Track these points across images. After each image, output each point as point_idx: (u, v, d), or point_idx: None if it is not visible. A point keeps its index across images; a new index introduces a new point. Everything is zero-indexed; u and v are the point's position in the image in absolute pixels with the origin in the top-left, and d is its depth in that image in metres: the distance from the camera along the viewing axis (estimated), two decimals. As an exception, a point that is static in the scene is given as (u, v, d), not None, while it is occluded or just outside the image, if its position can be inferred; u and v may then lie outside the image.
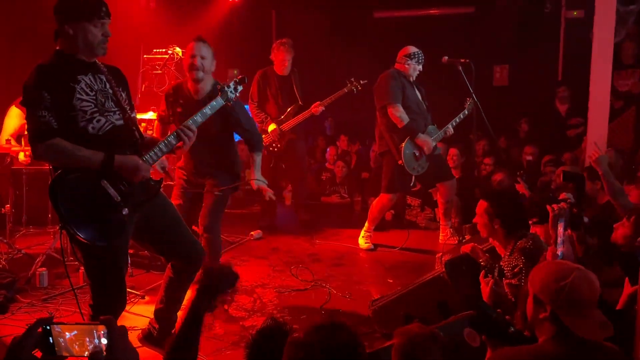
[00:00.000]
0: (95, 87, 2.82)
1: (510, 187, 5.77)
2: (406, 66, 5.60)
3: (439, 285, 3.54)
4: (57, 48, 2.83)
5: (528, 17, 8.63)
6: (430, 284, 3.61)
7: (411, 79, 5.65)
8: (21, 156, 5.33)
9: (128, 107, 2.96)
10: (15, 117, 5.51)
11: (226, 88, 3.35)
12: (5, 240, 5.15)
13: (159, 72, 5.87)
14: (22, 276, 4.73)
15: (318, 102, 6.21)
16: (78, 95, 2.74)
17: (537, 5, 8.58)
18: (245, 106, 6.35)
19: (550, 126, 7.78)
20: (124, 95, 2.97)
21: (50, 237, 5.23)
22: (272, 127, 6.14)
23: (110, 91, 2.89)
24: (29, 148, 5.21)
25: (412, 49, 5.63)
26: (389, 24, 9.14)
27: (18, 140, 5.47)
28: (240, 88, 3.42)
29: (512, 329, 2.27)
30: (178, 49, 5.83)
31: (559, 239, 2.62)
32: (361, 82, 6.23)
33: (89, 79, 2.81)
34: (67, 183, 2.71)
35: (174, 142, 3.02)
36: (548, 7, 8.53)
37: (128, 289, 3.76)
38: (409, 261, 5.49)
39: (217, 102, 3.30)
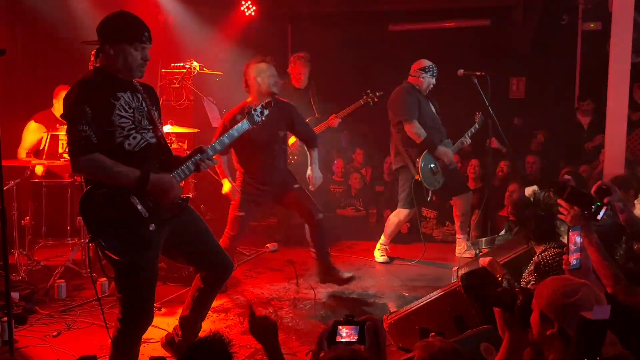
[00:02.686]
0: (133, 104, 2.91)
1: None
2: (421, 79, 5.61)
3: (455, 299, 3.51)
4: (98, 65, 2.92)
5: (544, 29, 8.59)
6: (447, 298, 3.58)
7: (425, 93, 5.65)
8: (38, 170, 5.40)
9: (160, 125, 3.05)
10: (33, 131, 5.61)
11: (253, 112, 3.45)
12: (24, 252, 5.21)
13: (177, 86, 5.95)
14: (41, 288, 4.77)
15: (334, 115, 6.23)
16: (117, 112, 2.82)
17: (553, 17, 8.54)
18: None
19: (569, 138, 7.69)
20: (156, 113, 3.05)
21: (69, 249, 5.28)
22: (292, 140, 6.16)
23: (146, 109, 2.98)
24: (45, 162, 5.32)
25: (426, 63, 5.63)
26: (404, 37, 9.16)
27: (35, 154, 5.55)
28: (266, 112, 3.51)
29: (500, 289, 2.26)
30: (196, 63, 5.90)
31: (572, 247, 2.55)
32: (377, 94, 6.24)
33: (128, 96, 2.90)
34: (97, 198, 2.79)
35: (192, 168, 3.06)
36: (565, 19, 8.49)
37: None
38: (425, 274, 5.46)
39: (244, 125, 3.42)
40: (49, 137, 5.42)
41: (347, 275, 4.90)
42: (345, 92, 6.22)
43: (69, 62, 6.18)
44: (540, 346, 2.10)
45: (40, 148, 5.57)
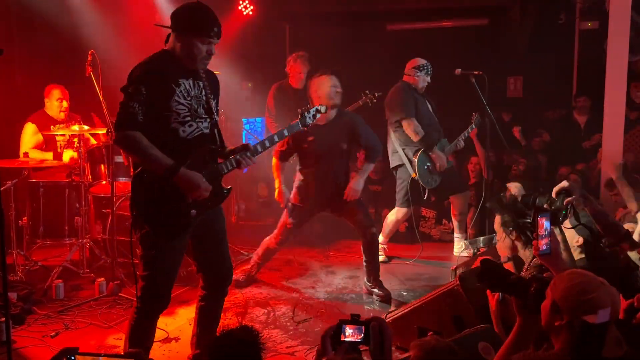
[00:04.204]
0: (192, 92, 2.96)
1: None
2: (415, 78, 5.61)
3: (453, 298, 3.52)
4: (166, 48, 2.99)
5: (542, 28, 8.59)
6: (445, 297, 3.58)
7: (421, 92, 5.66)
8: (66, 158, 5.38)
9: (216, 115, 3.10)
10: (30, 133, 5.59)
11: (305, 114, 3.50)
12: (22, 253, 5.20)
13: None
14: (39, 288, 4.77)
15: None
16: (176, 98, 2.88)
17: (550, 16, 8.55)
18: (262, 119, 6.43)
19: (567, 137, 7.69)
20: (214, 103, 3.09)
21: (67, 249, 5.28)
22: None
23: (204, 98, 3.03)
24: (46, 158, 5.32)
25: (421, 61, 5.64)
26: (402, 37, 9.15)
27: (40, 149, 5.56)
28: (318, 116, 3.58)
29: (513, 277, 2.26)
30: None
31: (542, 232, 2.57)
32: (376, 94, 6.23)
33: (189, 83, 2.96)
34: (146, 178, 2.88)
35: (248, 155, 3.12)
36: (562, 19, 8.49)
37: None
38: (423, 273, 5.47)
39: (295, 126, 3.48)
40: (41, 137, 5.43)
41: (384, 295, 4.77)
42: (343, 91, 6.18)
43: (65, 62, 6.19)
44: (547, 334, 2.11)
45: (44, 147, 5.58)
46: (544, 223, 2.57)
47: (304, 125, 3.51)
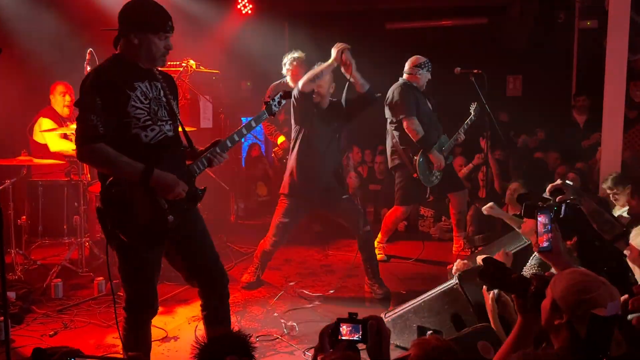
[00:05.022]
0: (150, 95, 2.86)
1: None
2: (417, 76, 5.61)
3: (452, 297, 3.52)
4: (117, 52, 2.87)
5: (541, 27, 8.60)
6: (444, 296, 3.58)
7: (422, 89, 5.65)
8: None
9: (178, 117, 3.00)
10: (48, 126, 5.52)
11: (271, 102, 3.40)
12: (21, 252, 5.20)
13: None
14: (38, 287, 4.77)
15: None
16: (132, 103, 2.77)
17: (550, 15, 8.55)
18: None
19: (567, 136, 7.69)
20: (175, 104, 2.99)
21: (66, 248, 5.27)
22: (281, 139, 6.14)
23: (164, 100, 2.93)
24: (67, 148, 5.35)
25: (421, 59, 5.63)
26: (401, 36, 9.16)
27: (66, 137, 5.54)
28: (283, 102, 3.47)
29: (514, 275, 2.25)
30: (192, 62, 5.88)
31: (541, 229, 2.56)
32: (376, 95, 6.13)
33: (145, 86, 2.85)
34: (117, 188, 2.75)
35: (206, 163, 3.05)
36: (561, 17, 8.50)
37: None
38: (423, 272, 5.47)
39: (262, 114, 3.37)
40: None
41: (383, 293, 4.76)
42: (340, 91, 6.17)
43: (65, 60, 6.17)
44: (547, 332, 2.10)
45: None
46: (544, 219, 2.57)
47: (271, 114, 3.39)
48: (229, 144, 3.11)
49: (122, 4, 2.85)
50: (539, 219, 2.57)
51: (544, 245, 2.55)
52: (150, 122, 2.82)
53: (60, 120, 5.55)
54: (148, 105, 2.82)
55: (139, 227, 2.78)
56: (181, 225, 2.92)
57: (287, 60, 6.05)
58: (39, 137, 5.60)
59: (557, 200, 2.86)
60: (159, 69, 2.98)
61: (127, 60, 2.84)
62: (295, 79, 6.15)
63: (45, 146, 5.57)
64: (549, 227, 2.57)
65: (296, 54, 6.11)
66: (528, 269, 3.34)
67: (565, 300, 2.01)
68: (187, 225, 2.99)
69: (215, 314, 3.17)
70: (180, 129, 3.03)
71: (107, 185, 2.76)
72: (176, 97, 3.06)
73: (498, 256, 3.62)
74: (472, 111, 5.88)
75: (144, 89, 2.83)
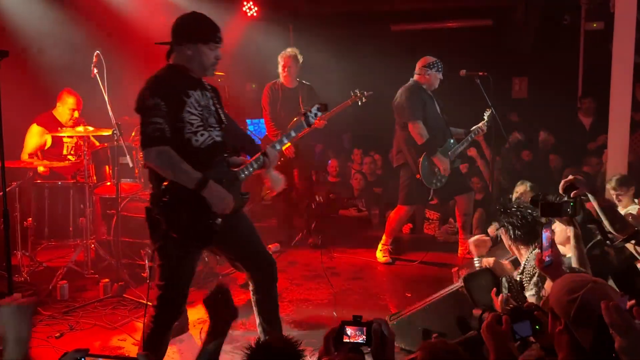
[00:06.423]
0: (202, 102, 3.05)
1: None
2: (427, 76, 5.60)
3: (457, 300, 3.51)
4: (170, 63, 3.07)
5: (547, 29, 8.58)
6: (449, 299, 3.58)
7: (432, 89, 5.64)
8: (41, 169, 5.40)
9: (225, 124, 3.18)
10: (36, 135, 5.61)
11: (308, 113, 3.51)
12: (27, 254, 5.22)
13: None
14: (43, 289, 4.78)
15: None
16: (188, 109, 2.96)
17: (555, 17, 8.53)
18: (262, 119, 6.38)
19: (573, 139, 7.67)
20: (221, 111, 3.19)
21: (71, 250, 5.28)
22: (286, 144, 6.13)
23: (213, 108, 3.13)
24: (47, 162, 5.34)
25: (430, 59, 5.63)
26: (406, 38, 9.16)
27: (35, 157, 5.56)
28: (320, 114, 3.59)
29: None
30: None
31: (545, 243, 2.56)
32: (366, 93, 6.02)
33: (198, 94, 3.04)
34: (174, 190, 2.90)
35: (255, 166, 3.24)
36: (567, 19, 8.48)
37: (147, 302, 3.79)
38: (428, 275, 5.45)
39: (301, 125, 3.51)
40: (49, 138, 5.44)
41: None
42: (345, 92, 6.18)
43: (71, 64, 6.20)
44: (552, 343, 2.10)
45: (46, 148, 5.59)
46: (548, 234, 2.57)
47: (309, 125, 3.55)
48: (274, 151, 3.30)
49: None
50: (544, 233, 2.57)
51: (547, 260, 2.55)
52: (201, 128, 3.01)
53: (54, 127, 5.49)
54: (201, 112, 3.02)
55: (190, 228, 2.95)
56: (227, 225, 3.07)
57: (280, 58, 6.06)
58: (25, 156, 5.59)
59: (571, 195, 2.85)
60: (205, 79, 3.17)
61: (181, 69, 3.04)
62: (292, 79, 6.11)
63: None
64: (550, 241, 2.57)
65: (287, 52, 6.09)
66: (529, 269, 3.33)
67: (557, 305, 2.02)
68: (233, 224, 3.15)
69: (265, 299, 3.39)
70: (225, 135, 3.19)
71: (164, 188, 2.91)
72: (222, 106, 3.23)
73: (488, 262, 3.61)
74: (485, 117, 5.72)
75: (196, 97, 3.02)
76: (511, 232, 3.37)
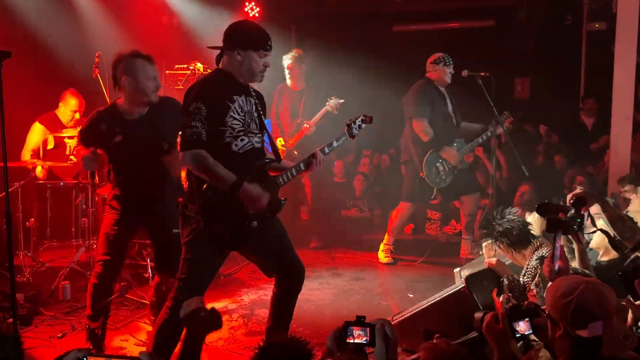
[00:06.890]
0: (245, 108, 3.13)
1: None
2: (435, 72, 5.63)
3: (460, 300, 3.50)
4: (219, 68, 3.15)
5: (549, 29, 8.57)
6: (451, 299, 3.57)
7: (444, 85, 5.64)
8: (38, 170, 5.41)
9: (265, 131, 3.26)
10: (38, 133, 5.61)
11: (352, 125, 3.50)
12: (29, 254, 5.23)
13: (181, 87, 5.95)
14: (46, 289, 4.79)
15: (306, 122, 6.02)
16: (231, 113, 3.05)
17: (558, 17, 8.52)
18: (268, 120, 6.40)
19: (575, 139, 7.66)
20: (264, 118, 3.25)
21: (74, 250, 5.29)
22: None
23: (256, 114, 3.19)
24: (44, 163, 5.35)
25: (438, 54, 5.67)
26: (408, 38, 9.15)
27: (37, 155, 5.55)
28: (363, 126, 3.56)
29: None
30: (200, 65, 5.90)
31: (557, 252, 2.56)
32: (340, 101, 5.92)
33: (242, 100, 3.12)
34: (214, 192, 2.99)
35: (303, 167, 3.28)
36: (569, 20, 8.47)
37: (145, 300, 3.80)
38: (430, 275, 5.45)
39: (343, 136, 3.49)
40: (52, 139, 5.44)
41: None
42: (348, 93, 6.18)
43: (73, 64, 6.21)
44: (553, 348, 2.09)
45: (48, 148, 5.58)
46: (560, 244, 2.57)
47: (351, 136, 3.52)
48: (321, 156, 3.33)
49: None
50: (557, 244, 2.56)
51: (557, 269, 2.55)
52: (242, 133, 3.09)
53: (56, 127, 5.51)
54: (243, 118, 3.10)
55: (226, 229, 3.04)
56: (262, 229, 3.14)
57: (284, 61, 6.06)
58: (27, 156, 5.59)
59: (581, 211, 2.81)
60: (251, 86, 3.23)
61: (229, 75, 3.11)
62: (299, 80, 6.13)
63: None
64: (559, 250, 2.57)
65: (290, 54, 6.08)
66: (531, 270, 3.32)
67: (554, 309, 2.02)
68: (268, 228, 3.21)
69: (285, 305, 3.41)
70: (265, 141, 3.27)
71: (204, 189, 2.99)
72: (265, 113, 3.30)
73: (490, 263, 3.60)
74: (502, 118, 5.56)
75: (240, 103, 3.10)
76: (506, 240, 3.39)
